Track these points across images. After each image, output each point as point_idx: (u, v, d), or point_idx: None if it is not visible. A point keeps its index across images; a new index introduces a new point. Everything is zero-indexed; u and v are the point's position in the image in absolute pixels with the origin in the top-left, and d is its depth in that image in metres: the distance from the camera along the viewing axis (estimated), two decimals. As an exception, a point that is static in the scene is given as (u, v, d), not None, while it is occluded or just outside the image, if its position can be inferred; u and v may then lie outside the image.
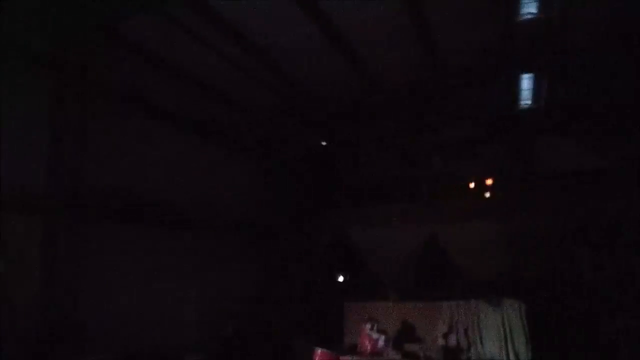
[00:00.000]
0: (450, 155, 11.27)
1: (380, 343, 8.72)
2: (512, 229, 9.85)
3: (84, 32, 6.75)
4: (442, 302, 9.34)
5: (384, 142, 11.85)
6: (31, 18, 6.20)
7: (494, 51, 8.29)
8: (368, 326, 8.91)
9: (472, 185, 11.10)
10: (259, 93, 9.48)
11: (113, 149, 7.46)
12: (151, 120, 8.38)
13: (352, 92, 9.89)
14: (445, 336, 8.91)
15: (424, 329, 9.31)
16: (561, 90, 9.06)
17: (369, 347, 8.72)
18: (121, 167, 7.51)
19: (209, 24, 6.99)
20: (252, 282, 10.72)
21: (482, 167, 10.98)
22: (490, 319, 8.91)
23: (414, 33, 7.58)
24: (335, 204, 11.95)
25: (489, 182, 10.96)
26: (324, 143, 12.12)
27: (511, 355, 8.59)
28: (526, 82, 9.50)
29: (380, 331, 8.90)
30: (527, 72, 9.06)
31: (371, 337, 8.79)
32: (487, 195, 10.95)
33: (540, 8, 6.99)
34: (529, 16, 7.24)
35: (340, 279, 11.89)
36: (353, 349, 9.00)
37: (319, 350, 7.56)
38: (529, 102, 9.82)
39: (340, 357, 8.03)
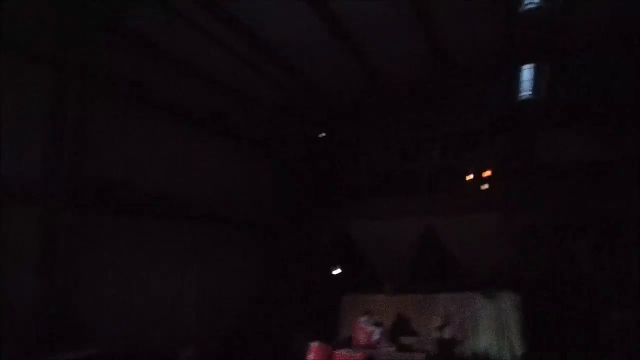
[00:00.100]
0: (450, 148, 11.26)
1: (375, 336, 8.73)
2: (512, 221, 9.85)
3: (84, 31, 6.75)
4: (437, 294, 9.36)
5: (384, 137, 11.83)
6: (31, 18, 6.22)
7: (496, 47, 8.29)
8: (363, 319, 8.95)
9: (471, 177, 11.09)
10: (261, 87, 9.48)
11: (113, 143, 7.48)
12: (152, 116, 8.36)
13: (354, 88, 9.90)
14: (441, 329, 8.92)
15: (420, 321, 9.32)
16: (561, 90, 9.03)
17: (364, 340, 8.75)
18: (121, 162, 7.54)
19: (210, 16, 7.02)
20: (252, 281, 10.78)
21: (482, 160, 10.96)
22: (486, 312, 8.89)
23: (417, 28, 7.59)
24: (335, 203, 11.93)
25: (488, 174, 10.94)
26: (323, 134, 12.10)
27: (506, 348, 8.62)
28: (527, 72, 9.53)
29: (376, 324, 8.93)
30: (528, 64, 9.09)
31: (366, 330, 8.82)
32: (487, 187, 10.91)
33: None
34: (531, 11, 7.26)
35: (338, 271, 11.91)
36: (348, 342, 9.01)
37: (313, 345, 7.67)
38: (530, 93, 9.84)
39: (335, 350, 8.15)
